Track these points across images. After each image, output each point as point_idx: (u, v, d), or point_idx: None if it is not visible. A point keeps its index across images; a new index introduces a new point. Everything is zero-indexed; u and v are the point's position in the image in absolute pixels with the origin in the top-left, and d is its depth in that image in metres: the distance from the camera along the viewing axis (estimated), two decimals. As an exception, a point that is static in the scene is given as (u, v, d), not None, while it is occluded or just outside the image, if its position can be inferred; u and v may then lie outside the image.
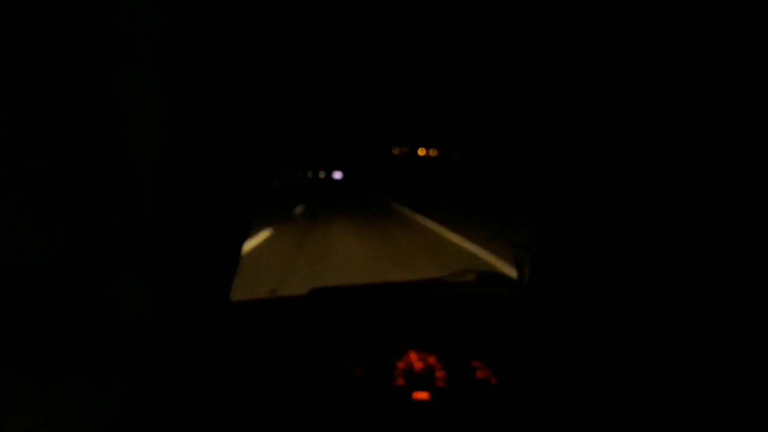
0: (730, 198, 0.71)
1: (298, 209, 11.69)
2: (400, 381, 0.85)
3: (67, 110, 0.64)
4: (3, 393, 0.67)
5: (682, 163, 0.77)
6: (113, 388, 0.75)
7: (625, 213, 0.89)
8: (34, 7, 0.57)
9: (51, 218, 0.66)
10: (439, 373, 0.87)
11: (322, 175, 58.06)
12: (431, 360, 0.89)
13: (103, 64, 0.66)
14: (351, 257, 5.57)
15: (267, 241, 6.39)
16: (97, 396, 0.72)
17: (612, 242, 0.92)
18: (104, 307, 0.80)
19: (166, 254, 0.86)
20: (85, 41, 0.64)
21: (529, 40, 0.91)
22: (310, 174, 59.05)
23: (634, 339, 0.87)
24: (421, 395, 0.83)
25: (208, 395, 0.83)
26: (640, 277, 0.88)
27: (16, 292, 0.75)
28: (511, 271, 1.25)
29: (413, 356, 0.89)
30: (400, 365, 0.88)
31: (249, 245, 5.32)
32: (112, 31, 0.66)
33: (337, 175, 58.20)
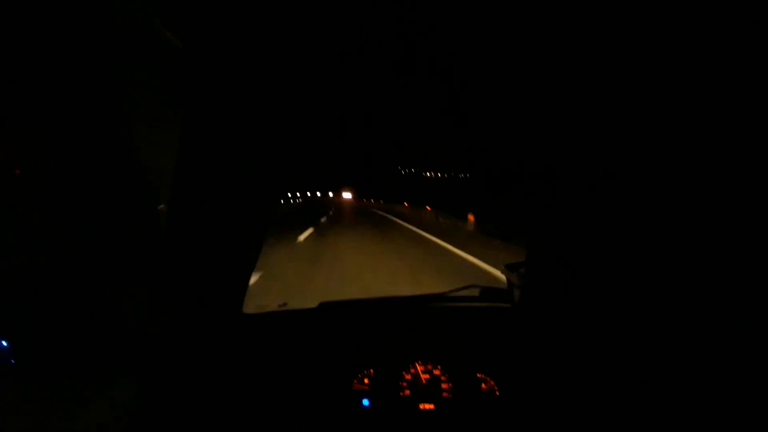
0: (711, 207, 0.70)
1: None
2: (407, 392, 0.85)
3: (67, 110, 0.64)
4: (3, 393, 0.67)
5: (665, 178, 0.76)
6: (114, 388, 0.75)
7: (606, 233, 0.89)
8: (34, 7, 0.57)
9: (51, 218, 0.66)
10: (445, 385, 0.86)
11: (331, 194, 71.87)
12: (437, 372, 0.88)
13: (103, 64, 0.66)
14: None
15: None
16: (98, 396, 0.72)
17: (591, 262, 0.93)
18: (105, 308, 0.80)
19: (167, 255, 0.86)
20: (85, 41, 0.64)
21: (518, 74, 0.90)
22: (318, 194, 66.31)
23: (623, 350, 0.87)
24: (427, 406, 0.83)
25: (213, 403, 0.83)
26: (621, 293, 0.88)
27: (16, 292, 0.75)
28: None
29: (419, 368, 0.89)
30: (407, 377, 0.88)
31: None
32: (112, 31, 0.66)
33: (347, 195, 62.91)
